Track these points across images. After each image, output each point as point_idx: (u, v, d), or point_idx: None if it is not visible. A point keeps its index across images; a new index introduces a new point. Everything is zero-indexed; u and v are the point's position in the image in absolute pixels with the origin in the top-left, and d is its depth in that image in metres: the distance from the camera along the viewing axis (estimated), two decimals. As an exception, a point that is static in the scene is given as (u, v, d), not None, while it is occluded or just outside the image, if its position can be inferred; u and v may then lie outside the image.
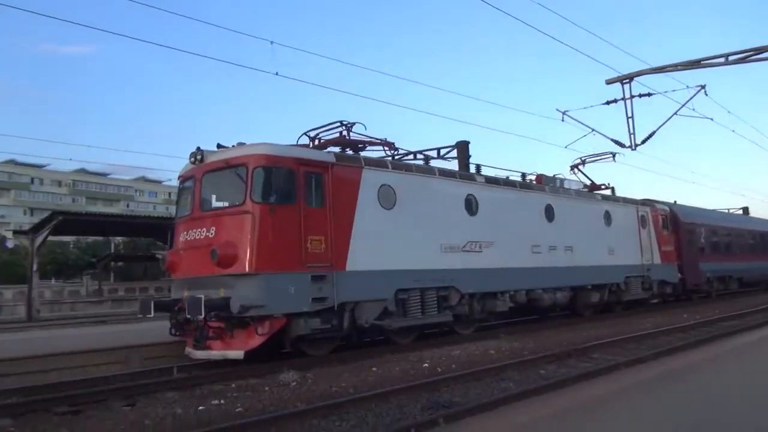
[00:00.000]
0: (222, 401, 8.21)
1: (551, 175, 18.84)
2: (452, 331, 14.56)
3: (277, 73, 14.58)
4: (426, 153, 16.52)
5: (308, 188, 11.32)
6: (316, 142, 13.50)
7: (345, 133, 13.34)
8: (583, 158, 22.47)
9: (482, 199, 14.94)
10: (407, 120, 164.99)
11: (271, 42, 13.78)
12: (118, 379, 10.05)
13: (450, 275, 13.68)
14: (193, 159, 11.51)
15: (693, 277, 24.37)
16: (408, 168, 13.55)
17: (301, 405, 7.71)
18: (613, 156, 21.97)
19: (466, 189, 14.68)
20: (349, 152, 13.36)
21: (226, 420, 7.03)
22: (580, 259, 17.86)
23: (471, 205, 14.63)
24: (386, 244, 12.41)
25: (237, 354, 10.47)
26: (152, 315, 11.11)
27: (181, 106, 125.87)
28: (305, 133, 13.46)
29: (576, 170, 22.04)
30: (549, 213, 17.11)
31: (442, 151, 17.13)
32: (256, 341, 10.52)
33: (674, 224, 23.96)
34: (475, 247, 14.49)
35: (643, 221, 21.65)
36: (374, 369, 10.46)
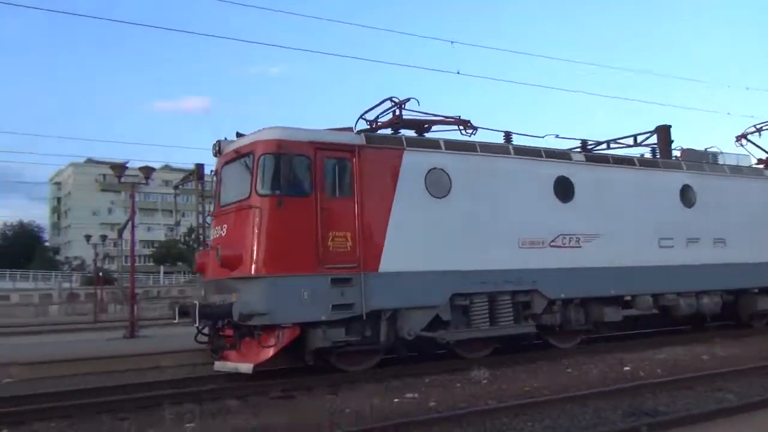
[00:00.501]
0: (416, 395, 8.35)
1: (702, 149, 14.95)
2: (546, 345, 11.93)
3: (458, 72, 13.61)
4: (620, 141, 14.06)
5: (329, 176, 9.71)
6: (374, 125, 11.80)
7: (398, 111, 11.46)
8: (758, 125, 17.69)
9: (581, 182, 12.01)
10: (600, 108, 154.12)
11: (452, 42, 13.80)
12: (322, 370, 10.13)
13: (531, 276, 11.10)
14: (213, 152, 10.56)
15: None
16: (469, 147, 11.22)
17: (492, 402, 7.67)
18: (801, 119, 16.97)
19: (558, 170, 11.89)
20: (409, 134, 11.44)
21: (421, 413, 7.19)
22: (737, 255, 13.79)
23: (564, 190, 11.81)
24: (437, 239, 10.33)
25: (247, 368, 9.24)
26: (176, 321, 10.37)
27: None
28: (361, 116, 11.85)
29: (744, 141, 17.38)
30: (687, 196, 13.41)
31: (639, 138, 14.56)
32: (265, 354, 9.19)
33: None
34: (570, 242, 11.66)
35: None
36: (569, 370, 10.09)
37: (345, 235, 9.62)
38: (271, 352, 9.17)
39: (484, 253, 10.71)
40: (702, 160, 14.38)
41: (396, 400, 8.05)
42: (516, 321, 11.08)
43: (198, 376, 10.36)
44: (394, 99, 11.39)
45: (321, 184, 9.59)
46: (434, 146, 10.79)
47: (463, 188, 10.74)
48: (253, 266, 9.15)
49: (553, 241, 11.49)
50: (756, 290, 14.25)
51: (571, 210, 11.82)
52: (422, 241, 10.20)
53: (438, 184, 10.51)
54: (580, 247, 11.78)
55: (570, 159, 12.23)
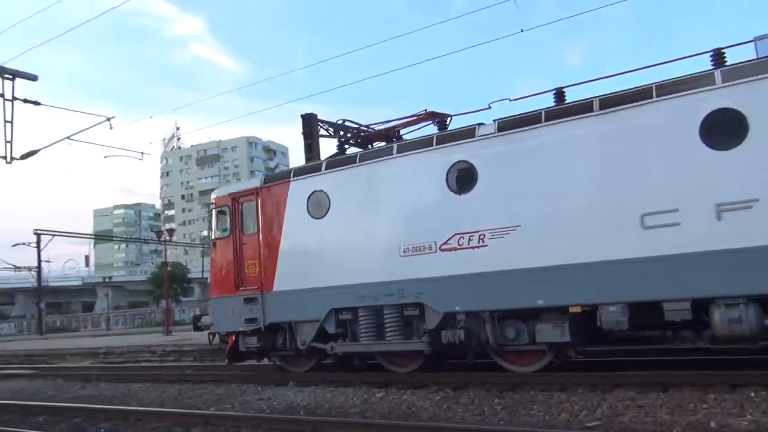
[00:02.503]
0: None
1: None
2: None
3: None
4: None
5: (243, 218, 12.24)
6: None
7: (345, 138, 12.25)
8: None
9: (490, 162, 9.38)
10: None
11: None
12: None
13: (415, 287, 9.90)
14: None
15: None
16: (348, 161, 10.86)
17: None
18: None
19: (453, 155, 9.71)
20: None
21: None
22: None
23: (461, 178, 9.62)
24: (316, 258, 11.04)
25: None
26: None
27: None
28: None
29: None
30: (708, 130, 7.71)
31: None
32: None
33: None
34: (469, 241, 9.44)
35: None
36: None
37: (254, 263, 11.97)
38: (227, 350, 12.57)
39: (361, 267, 10.46)
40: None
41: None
42: (407, 336, 10.10)
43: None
44: (343, 121, 12.30)
45: (239, 225, 12.29)
46: (316, 170, 11.30)
47: (340, 204, 10.84)
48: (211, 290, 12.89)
49: (445, 243, 9.68)
50: None
51: (473, 200, 9.48)
52: (304, 262, 11.17)
53: (318, 206, 11.12)
54: (485, 245, 9.30)
55: (473, 136, 9.60)
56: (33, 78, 15.63)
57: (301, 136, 13.38)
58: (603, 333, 8.62)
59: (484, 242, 9.32)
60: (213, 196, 13.13)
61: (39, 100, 16.01)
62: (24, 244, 55.84)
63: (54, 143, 17.66)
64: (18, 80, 15.48)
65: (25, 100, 15.68)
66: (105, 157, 19.58)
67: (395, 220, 10.21)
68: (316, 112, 12.97)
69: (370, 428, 7.41)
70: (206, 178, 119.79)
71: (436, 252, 9.74)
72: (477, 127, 9.72)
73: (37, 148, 17.13)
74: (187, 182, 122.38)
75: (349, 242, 10.68)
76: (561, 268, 8.64)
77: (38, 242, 54.00)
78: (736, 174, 7.58)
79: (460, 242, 9.53)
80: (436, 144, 10.00)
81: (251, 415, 8.74)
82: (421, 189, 10.03)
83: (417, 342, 10.02)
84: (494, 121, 9.62)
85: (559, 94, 9.55)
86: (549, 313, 8.93)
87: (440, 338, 9.76)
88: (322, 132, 12.87)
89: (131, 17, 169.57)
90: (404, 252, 10.05)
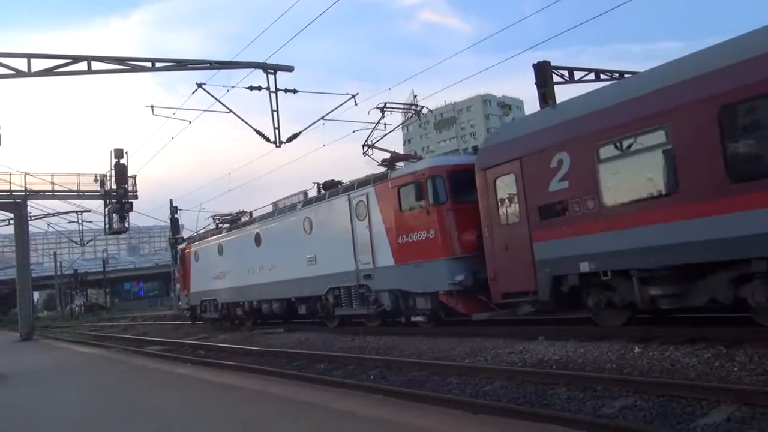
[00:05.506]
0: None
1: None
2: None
3: None
4: None
5: (185, 260, 27.87)
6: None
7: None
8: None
9: (226, 245, 23.71)
10: None
11: None
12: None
13: (215, 293, 24.70)
14: None
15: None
16: (202, 237, 25.80)
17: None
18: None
19: (221, 240, 24.11)
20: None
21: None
22: (282, 274, 19.79)
23: (221, 250, 24.04)
24: (198, 278, 26.31)
25: None
26: None
27: None
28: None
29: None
30: (257, 241, 21.18)
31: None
32: None
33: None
34: (222, 275, 23.95)
35: (359, 209, 16.00)
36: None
37: (188, 278, 27.61)
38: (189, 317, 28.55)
39: (206, 283, 25.39)
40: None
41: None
42: (213, 312, 24.87)
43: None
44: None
45: (182, 262, 27.99)
46: (195, 240, 26.48)
47: (200, 257, 25.94)
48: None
49: (217, 275, 24.26)
50: (293, 299, 19.31)
51: (222, 260, 23.93)
52: (196, 280, 26.48)
53: (197, 257, 26.32)
54: (225, 278, 23.72)
55: (221, 232, 23.90)
56: (290, 69, 17.64)
57: (535, 87, 13.48)
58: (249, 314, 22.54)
59: (224, 276, 23.72)
60: (178, 248, 29.13)
61: (296, 88, 17.94)
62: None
63: (311, 125, 19.19)
64: (278, 73, 17.24)
65: (285, 90, 17.58)
66: (353, 131, 19.90)
67: (212, 265, 24.93)
68: (549, 60, 13.33)
69: (628, 385, 6.90)
70: (445, 141, 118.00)
71: (218, 279, 24.32)
72: (225, 228, 24.15)
73: (298, 131, 18.52)
74: (428, 147, 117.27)
75: (204, 273, 25.71)
76: (235, 287, 22.73)
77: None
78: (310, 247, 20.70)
79: (221, 275, 24.01)
80: (219, 233, 24.57)
81: (504, 367, 8.86)
82: (215, 253, 24.60)
83: (215, 315, 24.77)
84: (235, 224, 23.99)
85: (230, 219, 23.46)
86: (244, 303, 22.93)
87: (229, 313, 24.28)
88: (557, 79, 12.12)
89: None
90: (214, 277, 24.78)
